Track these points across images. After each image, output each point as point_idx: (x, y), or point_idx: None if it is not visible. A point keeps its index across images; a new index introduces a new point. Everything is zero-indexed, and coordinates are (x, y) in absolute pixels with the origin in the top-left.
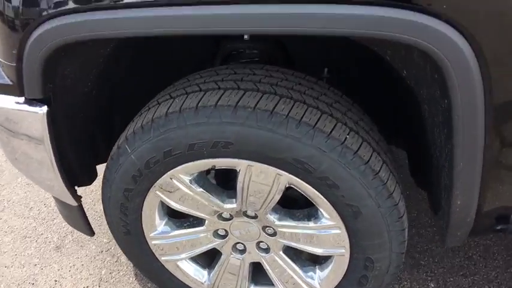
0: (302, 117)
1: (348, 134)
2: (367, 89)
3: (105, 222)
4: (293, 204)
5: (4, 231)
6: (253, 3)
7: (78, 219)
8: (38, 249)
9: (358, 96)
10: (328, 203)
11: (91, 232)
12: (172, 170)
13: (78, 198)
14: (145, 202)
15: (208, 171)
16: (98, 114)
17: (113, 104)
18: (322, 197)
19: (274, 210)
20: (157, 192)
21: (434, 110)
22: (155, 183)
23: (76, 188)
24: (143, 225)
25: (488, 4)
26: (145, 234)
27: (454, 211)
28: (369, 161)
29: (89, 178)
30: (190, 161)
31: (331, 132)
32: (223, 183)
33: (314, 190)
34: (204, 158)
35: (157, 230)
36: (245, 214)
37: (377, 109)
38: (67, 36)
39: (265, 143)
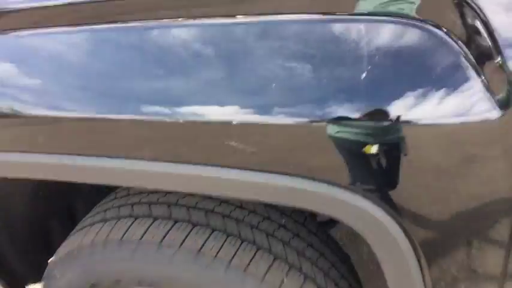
0: (232, 258)
1: (286, 275)
2: None
3: None
4: None
5: None
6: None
7: None
8: None
9: None
10: None
11: None
12: None
13: None
14: None
15: None
16: (51, 209)
17: (70, 192)
18: None
19: None
20: None
21: None
22: None
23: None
24: None
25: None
26: None
27: None
28: None
29: (39, 277)
30: None
31: (265, 274)
32: None
33: None
34: None
35: None
36: None
37: None
38: None
39: (192, 286)
